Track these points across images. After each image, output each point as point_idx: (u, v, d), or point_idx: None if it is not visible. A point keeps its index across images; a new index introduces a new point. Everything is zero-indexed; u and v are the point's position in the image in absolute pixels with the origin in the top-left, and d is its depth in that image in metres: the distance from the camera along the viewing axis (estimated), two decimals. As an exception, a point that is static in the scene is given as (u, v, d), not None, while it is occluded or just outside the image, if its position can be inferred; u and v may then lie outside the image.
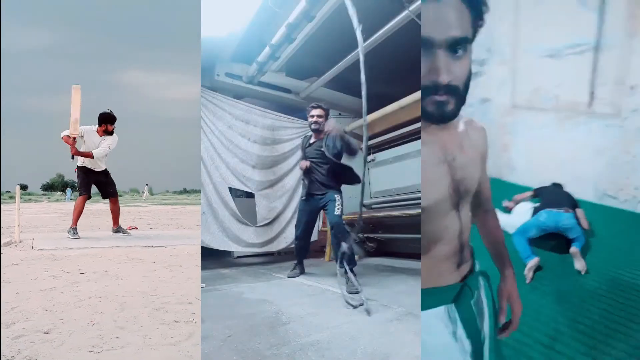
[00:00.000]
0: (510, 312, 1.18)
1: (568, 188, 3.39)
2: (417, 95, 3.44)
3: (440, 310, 0.98)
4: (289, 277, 2.99)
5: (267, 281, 2.88)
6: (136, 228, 4.41)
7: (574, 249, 2.70)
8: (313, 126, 3.00)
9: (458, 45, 0.79)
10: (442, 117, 0.85)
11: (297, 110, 4.45)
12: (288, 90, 4.36)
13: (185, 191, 24.45)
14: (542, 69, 4.04)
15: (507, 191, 3.87)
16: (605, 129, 3.65)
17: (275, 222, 4.10)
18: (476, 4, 0.80)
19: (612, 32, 3.44)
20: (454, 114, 0.85)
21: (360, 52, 2.27)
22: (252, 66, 3.72)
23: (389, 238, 4.11)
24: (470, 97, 4.28)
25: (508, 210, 3.58)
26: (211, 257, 4.10)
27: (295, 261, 3.16)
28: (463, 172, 0.97)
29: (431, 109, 0.84)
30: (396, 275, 2.95)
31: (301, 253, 3.17)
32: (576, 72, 3.72)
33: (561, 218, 2.89)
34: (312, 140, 3.11)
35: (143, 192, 19.17)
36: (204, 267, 3.59)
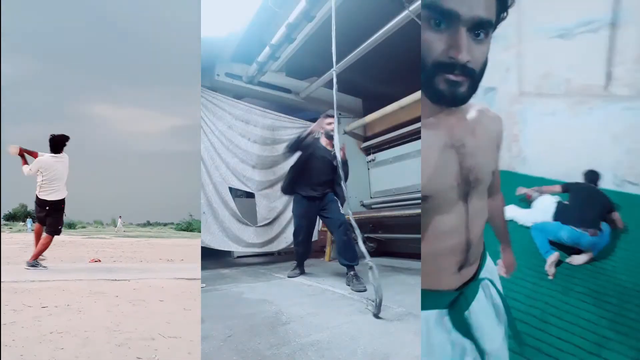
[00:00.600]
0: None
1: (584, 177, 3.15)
2: (417, 95, 3.44)
3: (437, 312, 0.97)
4: (289, 277, 2.99)
5: (267, 281, 2.88)
6: (99, 261, 4.30)
7: (587, 255, 2.60)
8: (330, 133, 2.87)
9: (482, 28, 0.76)
10: (453, 98, 0.80)
11: (297, 110, 4.46)
12: (288, 90, 4.36)
13: (148, 224, 24.15)
14: (551, 52, 3.71)
15: (518, 184, 3.71)
16: (623, 112, 3.36)
17: (275, 222, 4.10)
18: None
19: (630, 5, 3.13)
20: (466, 98, 0.81)
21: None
22: (252, 66, 3.72)
23: (389, 238, 4.11)
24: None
25: (529, 201, 3.38)
26: (211, 257, 4.10)
27: (296, 262, 3.15)
28: (474, 160, 0.91)
29: (442, 88, 0.79)
30: (396, 275, 2.94)
31: (303, 257, 3.15)
32: (590, 52, 3.41)
33: (584, 240, 2.62)
34: (321, 143, 2.99)
35: (116, 225, 17.10)
36: (204, 267, 3.59)
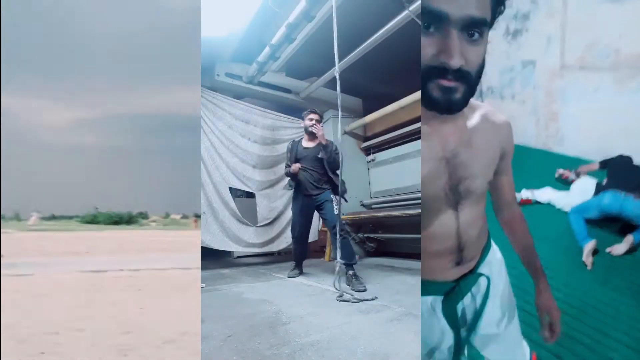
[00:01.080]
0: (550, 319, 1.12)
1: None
2: (417, 95, 3.44)
3: (433, 298, 1.01)
4: (289, 277, 3.00)
5: (267, 281, 2.88)
6: None
7: (630, 237, 2.40)
8: (311, 129, 2.95)
9: (475, 28, 0.71)
10: (447, 106, 0.75)
11: (297, 110, 4.46)
12: (288, 90, 4.36)
13: (54, 217, 23.60)
14: (599, 18, 3.26)
15: (553, 163, 3.52)
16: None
17: (275, 222, 4.10)
18: None
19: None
20: (462, 105, 0.76)
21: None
22: (252, 66, 3.72)
23: (389, 238, 4.11)
24: (511, 60, 4.19)
25: (564, 181, 3.27)
26: (211, 257, 4.10)
27: (294, 262, 3.16)
28: (466, 171, 0.89)
29: (436, 95, 0.74)
30: (396, 275, 2.94)
31: (300, 255, 3.16)
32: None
33: (628, 204, 2.49)
34: (305, 144, 3.05)
35: (31, 217, 16.69)
36: (204, 267, 3.60)
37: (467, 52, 0.71)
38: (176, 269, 3.63)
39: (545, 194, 3.16)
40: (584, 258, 2.34)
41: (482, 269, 1.05)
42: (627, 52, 3.18)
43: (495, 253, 1.11)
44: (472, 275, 1.03)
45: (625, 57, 3.20)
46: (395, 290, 2.36)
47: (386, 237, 4.13)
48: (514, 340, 1.14)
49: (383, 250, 4.26)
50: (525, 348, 1.18)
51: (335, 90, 2.32)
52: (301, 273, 3.11)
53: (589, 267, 2.30)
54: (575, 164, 3.39)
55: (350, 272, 2.56)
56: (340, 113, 2.22)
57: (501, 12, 0.75)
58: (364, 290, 2.36)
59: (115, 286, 2.75)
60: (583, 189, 2.96)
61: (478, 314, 1.05)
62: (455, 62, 0.70)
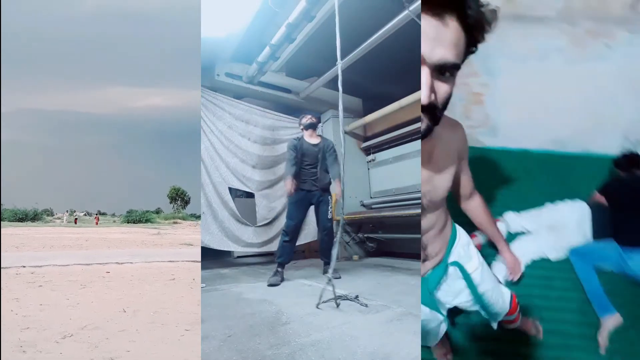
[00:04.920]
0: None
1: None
2: (417, 95, 3.44)
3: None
4: (269, 284, 2.61)
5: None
6: None
7: None
8: (309, 121, 3.07)
9: (447, 70, 0.77)
10: (420, 133, 0.91)
11: (297, 110, 4.46)
12: (288, 90, 4.36)
13: None
14: None
15: (493, 162, 2.46)
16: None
17: (275, 222, 4.10)
18: (476, 29, 0.77)
19: None
20: (425, 134, 0.88)
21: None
22: (252, 66, 3.71)
23: (389, 238, 4.11)
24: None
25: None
26: (211, 257, 4.10)
27: (277, 263, 2.82)
28: (428, 186, 1.08)
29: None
30: (396, 275, 2.94)
31: (286, 254, 2.86)
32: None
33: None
34: (309, 140, 3.06)
35: None
36: (204, 267, 3.60)
37: (437, 87, 0.78)
38: (78, 265, 3.76)
39: (511, 225, 2.13)
40: (599, 336, 1.68)
41: (451, 259, 1.29)
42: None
43: (460, 238, 1.33)
44: (439, 266, 1.27)
45: (580, 3, 2.09)
46: (395, 290, 2.36)
47: (386, 237, 4.13)
48: (496, 284, 1.46)
49: (383, 250, 4.26)
50: (505, 289, 1.49)
51: (335, 90, 2.32)
52: (282, 280, 2.72)
53: (601, 351, 1.65)
54: (521, 158, 2.47)
55: (327, 266, 2.72)
56: (341, 113, 2.19)
57: (473, 52, 0.82)
58: (338, 278, 2.62)
59: (17, 282, 2.85)
60: (569, 219, 2.06)
61: (475, 293, 1.33)
62: (425, 98, 0.78)
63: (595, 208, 2.03)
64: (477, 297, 1.35)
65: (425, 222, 1.16)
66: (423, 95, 0.77)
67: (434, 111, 0.81)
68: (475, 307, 1.42)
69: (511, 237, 2.12)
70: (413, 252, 3.75)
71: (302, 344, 1.42)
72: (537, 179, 2.42)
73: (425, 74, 0.76)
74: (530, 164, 2.50)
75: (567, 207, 2.11)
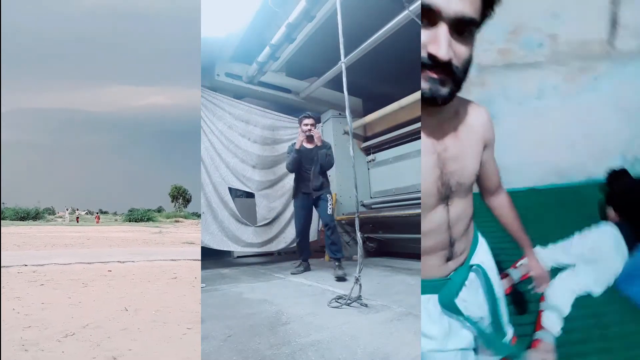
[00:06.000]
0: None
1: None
2: (417, 95, 3.44)
3: (433, 297, 1.05)
4: (292, 273, 3.10)
5: (267, 281, 2.88)
6: None
7: None
8: (308, 134, 3.13)
9: (465, 26, 0.73)
10: (435, 97, 0.77)
11: (297, 110, 4.47)
12: (288, 90, 4.36)
13: None
14: None
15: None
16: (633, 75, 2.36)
17: (275, 222, 4.10)
18: None
19: None
20: (448, 98, 0.78)
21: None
22: (252, 66, 3.72)
23: (389, 238, 4.11)
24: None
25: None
26: (211, 257, 4.10)
27: (301, 259, 3.27)
28: (457, 164, 0.92)
29: (425, 86, 0.77)
30: (396, 275, 2.94)
31: (305, 249, 3.31)
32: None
33: None
34: (306, 145, 3.19)
35: None
36: (204, 267, 3.60)
37: (456, 48, 0.74)
38: (80, 264, 3.76)
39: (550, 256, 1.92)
40: None
41: (474, 261, 1.11)
42: (566, 38, 2.34)
43: (482, 244, 1.18)
44: (463, 268, 1.08)
45: (566, 45, 2.35)
46: (395, 290, 2.36)
47: (386, 237, 4.13)
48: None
49: (383, 250, 4.26)
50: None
51: (335, 90, 2.32)
52: (307, 269, 3.20)
53: None
54: (530, 196, 2.50)
55: (337, 263, 2.85)
56: (349, 116, 2.16)
57: (489, 16, 0.78)
58: (343, 279, 2.62)
59: (18, 281, 2.87)
60: (607, 243, 1.84)
61: (492, 302, 1.10)
62: (444, 55, 0.72)
63: (618, 225, 1.91)
64: (494, 310, 1.11)
65: (453, 211, 0.97)
66: (442, 50, 0.71)
67: (455, 73, 0.75)
68: (484, 326, 1.12)
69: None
70: (413, 252, 3.75)
71: (302, 344, 1.42)
72: (549, 213, 2.33)
73: (443, 29, 0.71)
74: (539, 200, 2.48)
75: (596, 233, 1.91)
